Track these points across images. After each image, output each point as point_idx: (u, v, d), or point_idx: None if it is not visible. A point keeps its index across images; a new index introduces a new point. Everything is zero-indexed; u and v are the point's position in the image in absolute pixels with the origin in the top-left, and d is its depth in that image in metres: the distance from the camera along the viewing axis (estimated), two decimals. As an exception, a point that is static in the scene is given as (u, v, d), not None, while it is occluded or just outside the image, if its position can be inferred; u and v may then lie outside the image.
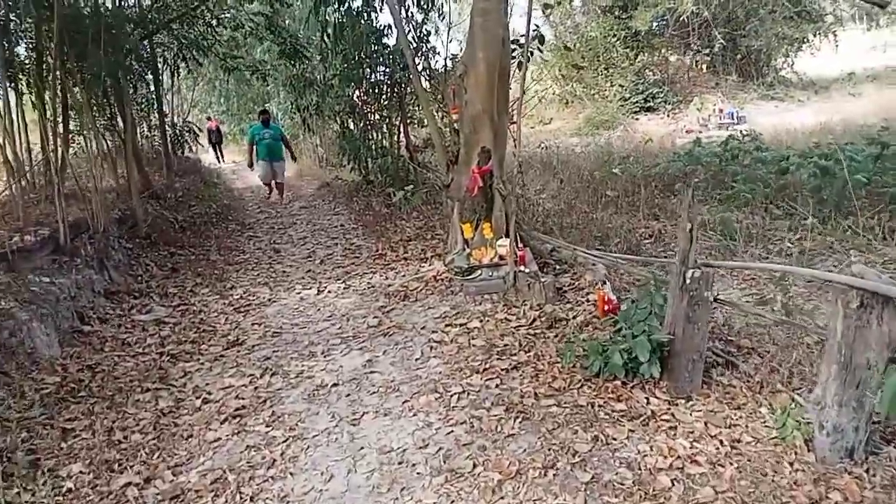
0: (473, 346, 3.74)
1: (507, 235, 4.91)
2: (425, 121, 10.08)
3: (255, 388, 3.47)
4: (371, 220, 8.22)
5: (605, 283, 4.01)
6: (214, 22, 8.74)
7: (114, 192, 7.28)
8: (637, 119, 18.19)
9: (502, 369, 3.38)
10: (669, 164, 8.69)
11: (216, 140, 17.56)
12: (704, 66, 19.42)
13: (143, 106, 9.55)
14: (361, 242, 7.12)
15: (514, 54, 5.15)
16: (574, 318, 4.01)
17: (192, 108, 16.28)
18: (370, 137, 9.63)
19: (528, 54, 5.24)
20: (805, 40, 19.91)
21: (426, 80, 7.15)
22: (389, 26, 9.04)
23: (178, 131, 10.30)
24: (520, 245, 4.61)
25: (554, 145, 11.91)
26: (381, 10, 9.10)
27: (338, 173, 11.74)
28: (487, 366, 3.44)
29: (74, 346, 3.89)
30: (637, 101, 18.40)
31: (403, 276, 5.46)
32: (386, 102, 9.64)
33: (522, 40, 5.26)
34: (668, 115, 18.30)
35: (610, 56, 18.64)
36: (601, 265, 4.64)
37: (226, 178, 14.19)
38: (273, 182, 10.49)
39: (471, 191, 4.92)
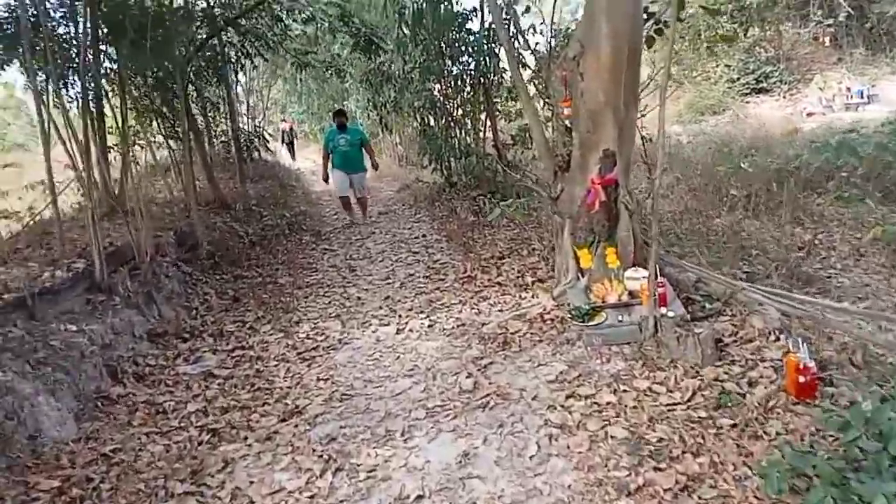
0: (612, 438, 2.65)
1: (637, 264, 3.77)
2: (513, 115, 9.01)
3: (313, 495, 2.54)
4: (456, 229, 7.23)
5: (800, 344, 2.80)
6: (283, 15, 7.99)
7: (176, 207, 6.68)
8: (748, 102, 16.22)
9: (666, 490, 2.28)
10: (812, 156, 7.16)
11: (290, 140, 17.20)
12: (827, 40, 17.08)
13: (210, 110, 8.94)
14: (446, 259, 6.14)
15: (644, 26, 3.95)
16: (751, 392, 2.83)
17: (268, 109, 15.86)
18: (453, 135, 8.64)
19: (667, 21, 4.01)
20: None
21: (523, 65, 5.99)
22: (474, 9, 8.00)
23: (248, 136, 9.60)
24: (658, 279, 3.46)
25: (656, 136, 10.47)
26: (464, -9, 8.07)
27: (418, 174, 10.83)
28: (641, 481, 2.34)
29: (95, 421, 3.11)
30: (747, 83, 16.41)
31: (500, 310, 4.42)
32: (470, 96, 8.62)
33: (652, 6, 4.06)
34: (784, 97, 16.22)
35: (714, 32, 16.68)
36: (773, 309, 3.41)
37: (305, 181, 13.65)
38: (352, 198, 8.60)
39: (589, 206, 3.81)
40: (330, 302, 5.22)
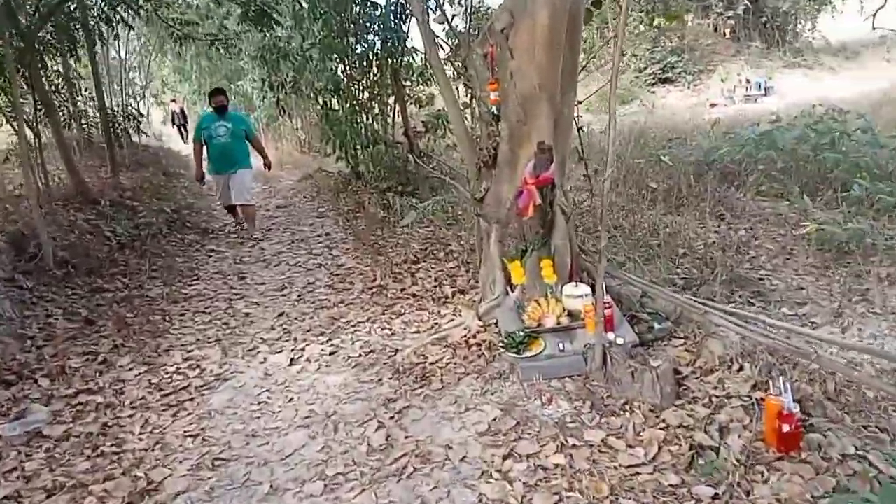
0: (569, 523, 2.05)
1: (574, 278, 3.20)
2: (424, 101, 8.31)
3: None
4: (364, 227, 6.48)
5: (782, 385, 2.31)
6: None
7: (20, 204, 5.49)
8: (653, 92, 16.39)
9: None
10: (732, 149, 6.96)
11: (181, 122, 15.67)
12: (727, 32, 17.57)
13: (64, 86, 7.56)
14: (353, 263, 5.38)
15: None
16: (726, 444, 2.32)
17: (147, 87, 14.27)
18: (359, 121, 7.82)
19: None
20: (829, 1, 18.08)
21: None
22: (380, -21, 7.20)
23: (117, 117, 8.27)
24: (605, 299, 2.90)
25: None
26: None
27: (321, 163, 9.92)
28: None
29: None
30: (653, 72, 16.58)
31: (417, 330, 3.75)
32: (377, 78, 7.82)
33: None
34: (688, 87, 16.53)
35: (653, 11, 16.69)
36: (733, 333, 2.95)
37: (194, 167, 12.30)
38: (234, 205, 6.64)
39: (522, 210, 3.19)
40: (211, 321, 4.34)
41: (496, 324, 3.44)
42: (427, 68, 7.59)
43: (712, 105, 15.07)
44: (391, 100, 7.92)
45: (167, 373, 3.51)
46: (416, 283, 4.57)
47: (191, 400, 3.20)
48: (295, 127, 13.33)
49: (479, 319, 3.50)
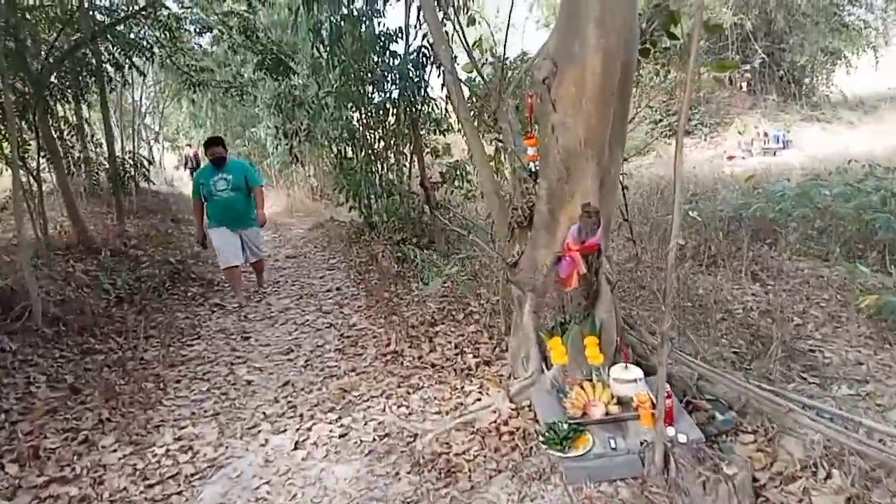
0: None
1: (625, 359, 2.79)
2: (441, 150, 8.05)
3: None
4: (377, 282, 6.11)
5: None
6: (173, 24, 6.67)
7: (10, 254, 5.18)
8: (670, 144, 16.16)
9: None
10: (765, 205, 6.59)
11: (193, 166, 15.59)
12: (744, 85, 17.46)
13: (70, 132, 7.34)
14: (365, 323, 4.98)
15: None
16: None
17: (159, 133, 14.23)
18: (374, 170, 7.54)
19: (657, 36, 3.13)
20: (844, 56, 18.02)
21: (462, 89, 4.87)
22: (400, 30, 7.03)
23: (125, 163, 8.05)
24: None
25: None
26: (385, 10, 7.10)
27: (333, 213, 9.64)
28: None
29: None
30: (669, 124, 16.41)
31: (438, 411, 3.31)
32: (394, 127, 7.58)
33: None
34: (705, 139, 16.31)
35: (636, 74, 16.67)
36: (813, 429, 2.50)
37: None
38: (243, 262, 5.92)
39: (566, 281, 2.80)
40: (209, 389, 3.93)
41: (529, 406, 3.01)
42: (446, 117, 7.34)
43: (730, 157, 14.82)
44: (407, 149, 7.66)
45: (155, 456, 3.08)
46: (435, 350, 4.16)
47: (179, 493, 2.76)
48: (308, 174, 13.14)
49: (511, 401, 3.07)
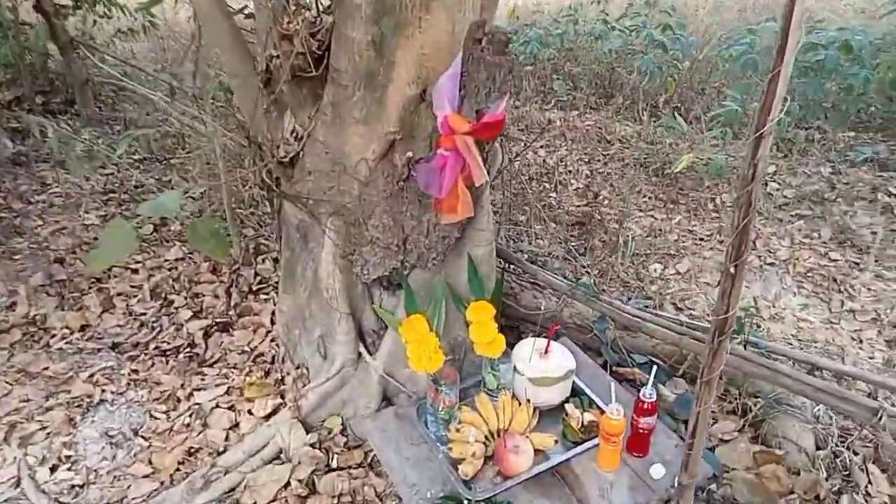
0: None
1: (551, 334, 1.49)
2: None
3: None
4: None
5: None
6: None
7: None
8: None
9: None
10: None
11: None
12: None
13: None
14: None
15: None
16: None
17: None
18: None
19: None
20: None
21: None
22: None
23: None
24: (648, 393, 1.29)
25: None
26: None
27: None
28: None
29: None
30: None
31: (142, 456, 1.61)
32: None
33: None
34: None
35: None
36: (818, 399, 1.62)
37: None
38: None
39: (445, 205, 1.28)
40: None
41: (344, 428, 1.57)
42: None
43: None
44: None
45: None
46: (114, 310, 2.28)
47: None
48: None
49: (302, 422, 1.57)
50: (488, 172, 1.31)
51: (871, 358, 2.16)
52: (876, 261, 2.75)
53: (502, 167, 1.85)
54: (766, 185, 3.49)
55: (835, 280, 2.67)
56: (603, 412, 1.44)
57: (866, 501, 1.47)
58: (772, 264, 2.85)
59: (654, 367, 1.34)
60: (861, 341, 2.28)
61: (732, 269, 0.99)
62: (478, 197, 1.41)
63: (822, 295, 2.60)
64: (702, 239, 3.10)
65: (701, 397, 1.06)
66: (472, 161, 1.19)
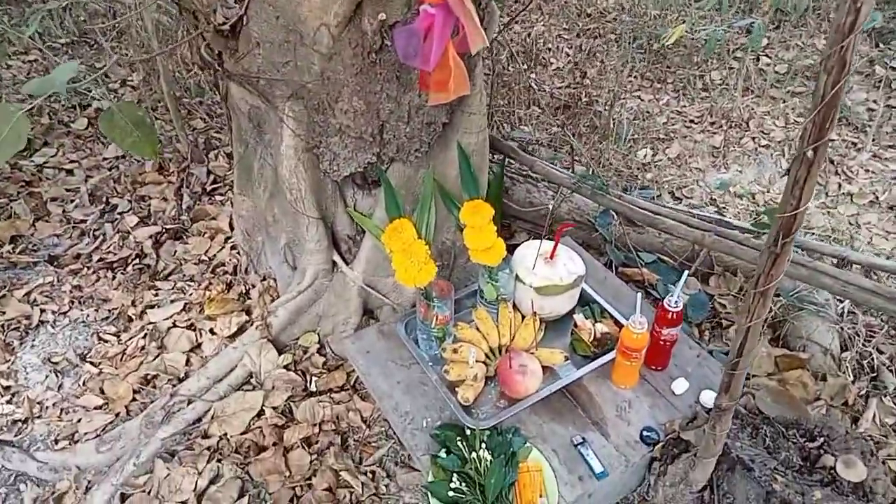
0: None
1: (560, 234, 1.28)
2: None
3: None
4: None
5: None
6: None
7: None
8: None
9: None
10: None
11: None
12: None
13: None
14: None
15: None
16: None
17: None
18: None
19: None
20: None
21: None
22: None
23: None
24: (673, 300, 1.11)
25: None
26: None
27: None
28: None
29: None
30: None
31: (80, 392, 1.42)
32: None
33: None
34: None
35: None
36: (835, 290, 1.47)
37: None
38: None
39: (432, 80, 1.01)
40: None
41: (339, 362, 1.39)
42: None
43: None
44: None
45: None
46: (45, 219, 2.00)
47: None
48: None
49: (278, 348, 1.38)
50: (486, 35, 1.03)
51: (868, 243, 2.03)
52: (873, 140, 2.57)
53: (501, 29, 1.56)
54: (759, 59, 3.22)
55: (832, 161, 2.50)
56: (616, 322, 1.27)
57: (895, 404, 1.36)
58: (766, 146, 2.65)
59: (685, 273, 1.15)
60: (859, 226, 2.15)
61: (811, 153, 0.76)
62: (470, 70, 1.14)
63: (819, 178, 2.43)
64: (692, 121, 2.87)
65: (754, 310, 0.88)
66: (467, 19, 0.91)
